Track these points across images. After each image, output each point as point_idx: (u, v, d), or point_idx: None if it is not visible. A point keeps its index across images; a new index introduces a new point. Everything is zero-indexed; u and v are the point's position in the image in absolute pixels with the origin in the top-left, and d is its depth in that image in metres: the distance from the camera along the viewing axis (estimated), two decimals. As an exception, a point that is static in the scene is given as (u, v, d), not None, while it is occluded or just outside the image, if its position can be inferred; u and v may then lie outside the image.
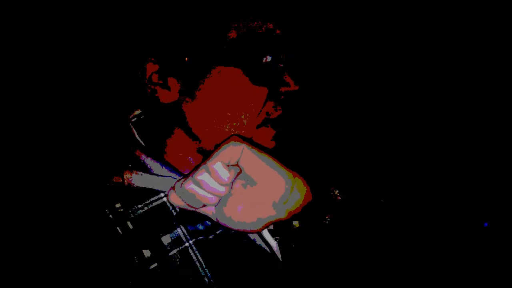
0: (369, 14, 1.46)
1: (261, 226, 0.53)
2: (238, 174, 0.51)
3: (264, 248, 0.60)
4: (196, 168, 0.52)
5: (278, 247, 0.62)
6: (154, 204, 0.58)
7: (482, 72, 1.52)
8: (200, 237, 0.57)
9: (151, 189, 0.58)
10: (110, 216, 0.56)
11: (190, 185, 0.50)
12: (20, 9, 1.15)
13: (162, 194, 0.58)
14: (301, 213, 0.54)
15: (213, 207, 0.54)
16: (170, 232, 0.56)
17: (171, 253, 0.55)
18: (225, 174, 0.49)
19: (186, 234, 0.57)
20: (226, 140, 0.51)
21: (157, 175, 0.59)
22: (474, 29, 1.49)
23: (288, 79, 0.61)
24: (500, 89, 1.51)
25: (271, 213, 0.52)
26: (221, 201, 0.53)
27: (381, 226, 0.64)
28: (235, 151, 0.49)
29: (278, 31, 0.59)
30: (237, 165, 0.50)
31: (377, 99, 1.52)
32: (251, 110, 0.59)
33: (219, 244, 0.58)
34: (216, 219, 0.54)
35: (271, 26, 0.59)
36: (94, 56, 1.12)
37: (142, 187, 0.58)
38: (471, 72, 1.53)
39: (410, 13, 1.49)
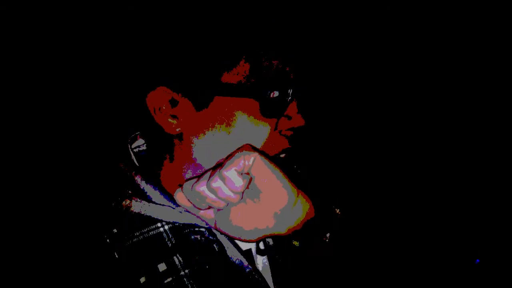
0: (369, 15, 1.46)
1: (257, 237, 0.53)
2: (250, 182, 0.52)
3: (260, 279, 0.60)
4: (206, 172, 0.53)
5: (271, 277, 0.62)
6: (151, 233, 0.58)
7: (482, 72, 1.52)
8: (196, 265, 0.57)
9: (149, 216, 0.59)
10: (108, 240, 0.57)
11: (202, 188, 0.51)
12: (20, 9, 1.15)
13: (159, 224, 0.59)
14: (301, 230, 0.54)
15: (212, 211, 0.55)
16: (166, 260, 0.57)
17: (166, 281, 0.56)
18: (239, 182, 0.50)
19: (182, 262, 0.57)
20: (239, 149, 0.52)
21: (155, 203, 0.60)
22: (474, 29, 1.49)
23: (294, 113, 0.61)
24: (500, 89, 1.51)
25: (270, 225, 0.53)
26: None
27: (381, 246, 0.64)
28: (247, 159, 0.50)
29: (287, 68, 0.59)
30: (248, 173, 0.51)
31: (380, 114, 1.52)
32: (257, 144, 0.58)
33: (215, 274, 0.58)
34: (214, 223, 0.55)
35: (278, 62, 0.59)
36: (94, 58, 1.12)
37: (140, 213, 0.59)
38: (471, 72, 1.53)
39: (410, 13, 1.49)
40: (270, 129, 0.59)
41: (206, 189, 0.51)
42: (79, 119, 1.15)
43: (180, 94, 0.58)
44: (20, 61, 1.17)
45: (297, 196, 0.53)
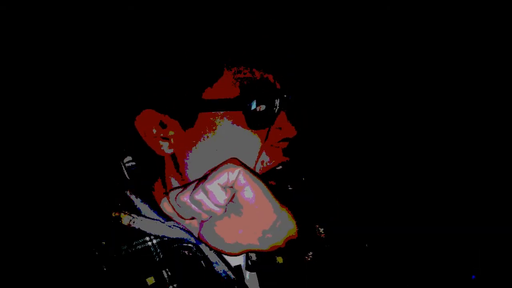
0: (369, 15, 1.46)
1: (238, 251, 0.53)
2: (233, 196, 0.52)
3: None
4: (192, 182, 0.53)
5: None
6: (139, 247, 0.58)
7: (482, 72, 1.52)
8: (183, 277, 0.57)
9: (138, 229, 0.59)
10: (96, 252, 0.57)
11: (185, 199, 0.51)
12: (20, 9, 1.15)
13: (147, 238, 0.59)
14: (284, 248, 0.54)
15: (196, 221, 0.55)
16: (154, 274, 0.57)
17: None
18: (222, 197, 0.50)
19: (170, 276, 0.57)
20: (223, 162, 0.52)
21: (145, 216, 0.59)
22: (474, 29, 1.49)
23: (285, 123, 0.60)
24: (500, 89, 1.51)
25: (252, 241, 0.53)
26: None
27: (364, 267, 0.64)
28: (231, 171, 0.50)
29: (272, 80, 0.58)
30: (232, 187, 0.51)
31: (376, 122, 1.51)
32: (247, 159, 0.57)
33: None
34: (199, 233, 0.55)
35: (267, 75, 0.58)
36: (93, 58, 1.12)
37: (129, 226, 0.59)
38: (471, 72, 1.53)
39: (410, 13, 1.49)
40: (261, 142, 0.58)
41: (189, 200, 0.51)
42: (73, 121, 1.15)
43: (166, 116, 0.58)
44: (20, 61, 1.17)
45: (282, 214, 0.53)
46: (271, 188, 0.53)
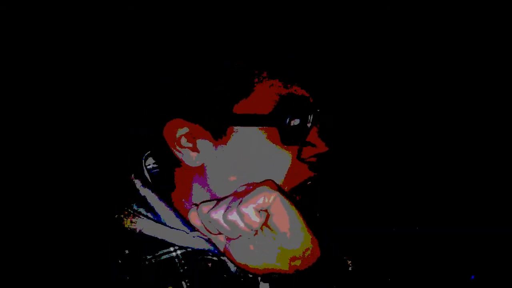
0: (369, 15, 1.46)
1: (262, 270, 0.53)
2: (267, 219, 0.52)
3: None
4: (225, 198, 0.52)
5: None
6: (163, 257, 0.58)
7: (482, 72, 1.52)
8: None
9: (162, 239, 0.58)
10: (119, 261, 0.56)
11: (217, 217, 0.51)
12: (20, 9, 1.15)
13: (171, 248, 0.58)
14: (305, 271, 0.54)
15: (223, 236, 0.54)
16: (174, 284, 0.57)
17: None
18: (256, 219, 0.49)
19: (189, 287, 0.57)
20: (260, 184, 0.52)
21: (169, 227, 0.59)
22: (474, 29, 1.49)
23: (317, 140, 0.60)
24: (500, 89, 1.51)
25: (279, 264, 0.53)
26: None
27: None
28: (268, 197, 0.50)
29: (307, 94, 0.58)
30: (266, 210, 0.51)
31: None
32: (278, 174, 0.57)
33: None
34: (224, 248, 0.55)
35: (300, 89, 0.58)
36: (93, 59, 1.12)
37: (153, 236, 0.59)
38: (471, 72, 1.53)
39: (410, 13, 1.49)
40: (292, 158, 0.58)
41: (222, 218, 0.50)
42: (82, 124, 1.15)
43: (197, 125, 0.57)
44: (20, 61, 1.17)
45: (310, 241, 0.53)
46: (303, 214, 0.53)
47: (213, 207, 0.52)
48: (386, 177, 1.45)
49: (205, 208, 0.52)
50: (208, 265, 0.59)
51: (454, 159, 1.52)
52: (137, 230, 0.59)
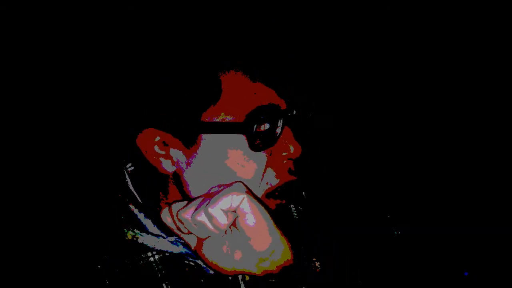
0: (369, 15, 1.46)
1: (232, 271, 0.54)
2: (235, 219, 0.52)
3: None
4: (196, 199, 0.53)
5: None
6: (141, 262, 0.59)
7: (482, 72, 1.52)
8: None
9: (142, 244, 0.59)
10: (98, 266, 0.57)
11: (186, 216, 0.52)
12: (20, 9, 1.15)
13: (149, 253, 0.59)
14: (277, 274, 0.54)
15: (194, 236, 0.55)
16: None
17: None
18: (223, 221, 0.50)
19: None
20: (229, 184, 0.52)
21: (148, 232, 0.60)
22: (474, 29, 1.49)
23: (289, 141, 0.60)
24: (500, 90, 1.51)
25: (247, 265, 0.53)
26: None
27: None
28: (236, 199, 0.50)
29: (276, 100, 0.58)
30: (234, 211, 0.51)
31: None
32: (251, 179, 0.57)
33: None
34: (196, 247, 0.56)
35: (271, 91, 0.58)
36: (93, 58, 1.12)
37: (132, 241, 0.59)
38: (471, 72, 1.53)
39: (410, 13, 1.49)
40: (266, 162, 0.58)
41: (190, 218, 0.51)
42: (73, 122, 1.15)
43: (169, 135, 0.58)
44: (20, 61, 1.17)
45: (280, 243, 0.53)
46: (273, 216, 0.53)
47: (183, 207, 0.52)
48: (381, 177, 1.45)
49: (176, 207, 0.53)
50: (186, 270, 0.59)
51: (451, 158, 1.52)
52: (118, 236, 0.59)
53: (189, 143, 0.57)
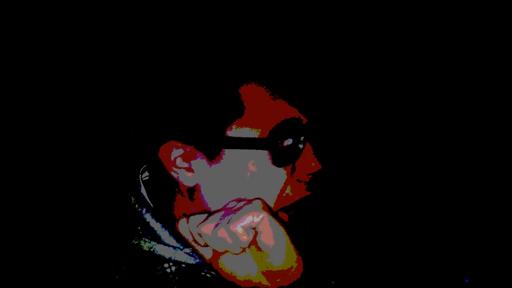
0: (369, 15, 1.46)
1: (246, 284, 0.55)
2: (254, 237, 0.53)
3: None
4: (215, 212, 0.54)
5: None
6: (158, 273, 0.59)
7: (482, 72, 1.52)
8: None
9: (158, 255, 0.59)
10: (116, 277, 0.58)
11: (206, 231, 0.52)
12: (20, 9, 1.15)
13: (166, 265, 0.59)
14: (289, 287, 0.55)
15: (210, 248, 0.56)
16: None
17: None
18: (244, 238, 0.51)
19: None
20: (249, 201, 0.53)
21: (165, 244, 0.60)
22: (474, 29, 1.49)
23: (310, 157, 0.61)
24: (500, 90, 1.51)
25: (259, 278, 0.55)
26: None
27: None
28: (256, 216, 0.51)
29: (302, 117, 0.59)
30: (255, 228, 0.52)
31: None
32: (270, 195, 0.58)
33: None
34: (209, 260, 0.57)
35: (295, 112, 0.58)
36: (93, 59, 1.12)
37: (149, 252, 0.60)
38: (471, 72, 1.53)
39: (410, 13, 1.49)
40: (286, 177, 0.59)
41: (210, 234, 0.52)
42: (73, 123, 1.15)
43: (191, 147, 0.58)
44: (20, 61, 1.17)
45: (294, 259, 0.54)
46: (290, 234, 0.54)
47: (203, 221, 0.53)
48: (381, 177, 1.45)
49: (195, 221, 0.54)
50: (202, 281, 0.60)
51: (451, 160, 1.52)
52: (135, 248, 0.60)
53: (212, 156, 0.58)
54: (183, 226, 0.55)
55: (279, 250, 0.53)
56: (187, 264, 0.59)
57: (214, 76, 0.56)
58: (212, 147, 0.58)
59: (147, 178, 0.67)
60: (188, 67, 0.57)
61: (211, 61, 0.57)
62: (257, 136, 0.57)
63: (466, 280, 0.98)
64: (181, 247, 0.60)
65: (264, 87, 0.57)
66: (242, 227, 0.51)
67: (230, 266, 0.55)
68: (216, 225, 0.52)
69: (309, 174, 0.61)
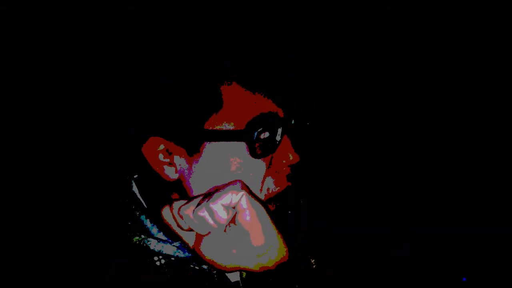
0: (369, 15, 1.46)
1: (229, 267, 0.55)
2: (234, 216, 0.54)
3: None
4: (197, 197, 0.55)
5: None
6: (148, 266, 0.60)
7: (482, 72, 1.52)
8: None
9: (147, 249, 0.61)
10: (106, 272, 0.58)
11: (187, 212, 0.53)
12: (20, 9, 1.15)
13: (156, 258, 0.61)
14: (273, 271, 0.56)
15: (194, 233, 0.57)
16: None
17: None
18: (224, 216, 0.52)
19: None
20: (229, 182, 0.55)
21: (154, 237, 0.62)
22: (474, 29, 1.49)
23: (288, 149, 0.62)
24: (500, 90, 1.51)
25: (244, 261, 0.55)
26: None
27: None
28: (235, 195, 0.52)
29: (275, 108, 0.59)
30: (234, 207, 0.53)
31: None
32: (251, 186, 0.58)
33: None
34: (192, 246, 0.57)
35: (269, 101, 0.59)
36: (93, 59, 1.12)
37: (139, 246, 0.61)
38: (471, 72, 1.53)
39: (410, 13, 1.49)
40: (266, 169, 0.60)
41: (192, 214, 0.53)
42: (72, 123, 1.15)
43: (172, 143, 0.59)
44: (20, 61, 1.17)
45: (276, 240, 0.55)
46: (270, 214, 0.55)
47: (185, 204, 0.54)
48: (381, 178, 1.45)
49: (177, 205, 0.55)
50: (191, 273, 0.61)
51: (451, 161, 1.52)
52: (126, 242, 0.61)
53: (192, 151, 0.59)
54: (166, 213, 0.56)
55: (260, 230, 0.53)
56: (176, 257, 0.60)
57: (191, 65, 0.57)
58: (191, 141, 0.58)
59: (136, 176, 0.68)
60: (188, 67, 0.58)
61: (211, 61, 0.57)
62: (234, 129, 0.57)
63: (464, 279, 0.98)
64: (170, 241, 0.61)
65: (242, 83, 0.57)
66: (221, 205, 0.52)
67: (211, 249, 0.55)
68: (197, 206, 0.53)
69: (289, 166, 0.62)
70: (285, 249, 0.55)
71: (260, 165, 0.59)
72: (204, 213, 0.52)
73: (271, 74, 0.59)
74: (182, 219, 0.54)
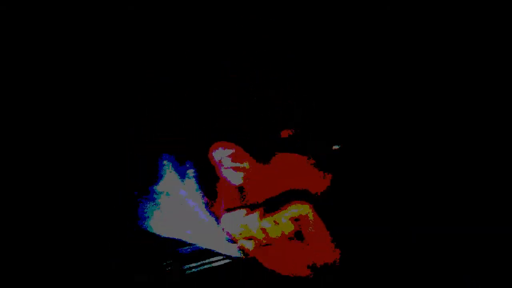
0: (369, 15, 1.46)
1: (288, 273, 0.56)
2: (298, 229, 0.55)
3: None
4: (260, 206, 0.56)
5: None
6: (206, 266, 0.61)
7: (482, 72, 1.52)
8: None
9: (205, 249, 0.61)
10: (167, 268, 0.60)
11: (251, 223, 0.55)
12: (20, 9, 1.15)
13: (213, 259, 0.61)
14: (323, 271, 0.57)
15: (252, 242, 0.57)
16: None
17: None
18: (289, 228, 0.54)
19: None
20: (297, 200, 0.55)
21: (213, 238, 0.62)
22: (474, 29, 1.49)
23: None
24: (500, 90, 1.51)
25: (304, 272, 0.56)
26: None
27: None
28: (302, 211, 0.54)
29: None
30: (299, 220, 0.54)
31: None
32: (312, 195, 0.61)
33: None
34: (251, 251, 0.58)
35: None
36: (93, 59, 1.12)
37: (197, 246, 0.62)
38: (471, 72, 1.53)
39: (410, 13, 1.49)
40: (325, 180, 0.62)
41: (256, 225, 0.54)
42: (82, 124, 1.15)
43: (240, 148, 0.60)
44: (20, 61, 1.17)
45: (329, 247, 0.56)
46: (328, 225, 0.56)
47: (247, 214, 0.55)
48: (385, 181, 1.46)
49: (240, 213, 0.56)
50: (249, 273, 0.61)
51: (451, 161, 1.52)
52: (185, 243, 0.62)
53: (260, 158, 0.60)
54: (226, 220, 0.57)
55: (320, 241, 0.55)
56: (234, 258, 0.61)
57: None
58: (260, 149, 0.60)
59: (193, 176, 0.68)
60: (187, 67, 0.58)
61: (211, 61, 0.57)
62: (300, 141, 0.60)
63: (464, 279, 0.98)
64: (229, 242, 0.61)
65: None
66: (286, 217, 0.53)
67: (275, 259, 0.56)
68: (262, 217, 0.54)
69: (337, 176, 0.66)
70: (334, 252, 0.57)
71: (318, 178, 0.61)
72: (268, 225, 0.53)
73: (271, 74, 0.59)
74: (243, 228, 0.55)
